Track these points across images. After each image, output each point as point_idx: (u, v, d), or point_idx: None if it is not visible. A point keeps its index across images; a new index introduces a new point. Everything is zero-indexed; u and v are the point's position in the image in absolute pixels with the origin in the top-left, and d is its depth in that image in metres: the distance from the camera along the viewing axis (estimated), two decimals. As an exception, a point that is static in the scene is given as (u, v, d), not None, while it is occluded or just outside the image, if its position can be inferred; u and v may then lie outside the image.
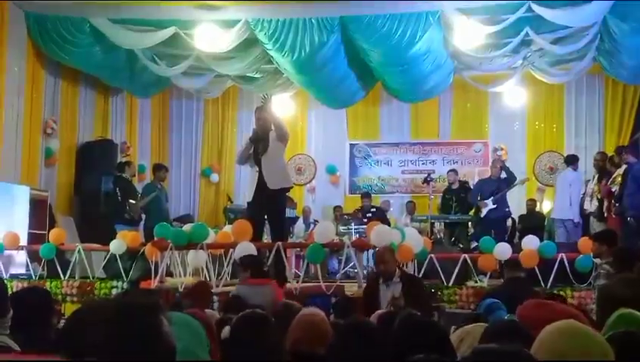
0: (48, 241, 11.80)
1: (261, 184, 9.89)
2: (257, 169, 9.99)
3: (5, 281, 4.61)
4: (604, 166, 13.98)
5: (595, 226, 13.56)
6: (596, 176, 14.04)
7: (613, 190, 12.82)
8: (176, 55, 14.42)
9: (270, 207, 10.09)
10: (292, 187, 10.85)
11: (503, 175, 14.64)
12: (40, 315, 4.40)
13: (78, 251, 11.56)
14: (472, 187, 15.28)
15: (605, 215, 13.26)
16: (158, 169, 14.40)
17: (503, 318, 5.07)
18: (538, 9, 12.04)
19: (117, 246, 11.25)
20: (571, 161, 14.76)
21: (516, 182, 14.49)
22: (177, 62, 14.45)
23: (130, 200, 13.61)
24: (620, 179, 12.62)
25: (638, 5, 11.76)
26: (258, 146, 9.99)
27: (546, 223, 15.88)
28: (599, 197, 13.61)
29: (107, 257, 11.59)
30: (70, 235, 13.21)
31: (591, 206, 13.92)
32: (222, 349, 4.15)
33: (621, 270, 7.54)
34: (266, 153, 9.89)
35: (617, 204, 12.57)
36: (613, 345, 2.82)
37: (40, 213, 13.11)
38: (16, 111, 13.21)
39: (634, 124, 16.44)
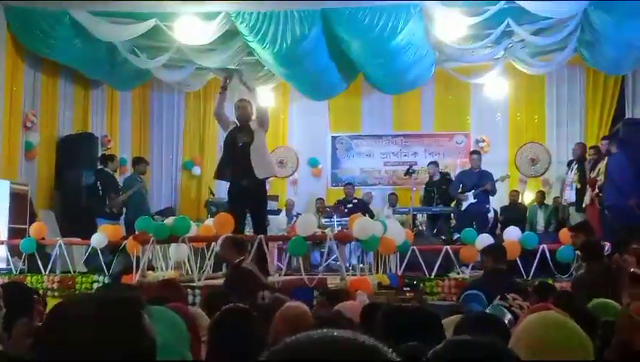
0: (29, 236, 11.75)
1: (242, 173, 9.88)
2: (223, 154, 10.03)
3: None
4: (583, 156, 14.05)
5: (575, 216, 13.65)
6: (575, 166, 14.11)
7: (598, 179, 12.87)
8: (156, 47, 14.37)
9: (254, 199, 10.08)
10: (276, 175, 10.89)
11: (484, 166, 14.67)
12: (22, 312, 4.37)
13: (59, 245, 11.51)
14: (453, 179, 15.29)
15: (584, 205, 13.33)
16: (138, 162, 14.39)
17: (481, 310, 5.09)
18: (519, 0, 12.05)
19: (98, 240, 11.21)
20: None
21: (497, 179, 14.49)
22: (158, 55, 14.40)
23: (112, 194, 13.57)
24: (604, 168, 12.68)
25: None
26: (239, 135, 9.99)
27: (527, 214, 15.94)
28: (578, 186, 13.69)
29: (88, 251, 11.55)
30: (51, 229, 13.15)
31: (569, 196, 14.01)
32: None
33: (589, 262, 7.65)
34: (253, 143, 9.89)
35: (601, 194, 12.64)
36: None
37: (20, 207, 13.02)
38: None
39: (614, 114, 16.50)
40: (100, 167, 14.32)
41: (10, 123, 13.60)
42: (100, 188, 13.78)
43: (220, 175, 10.63)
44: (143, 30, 13.38)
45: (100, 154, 15.24)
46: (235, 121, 10.21)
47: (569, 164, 15.02)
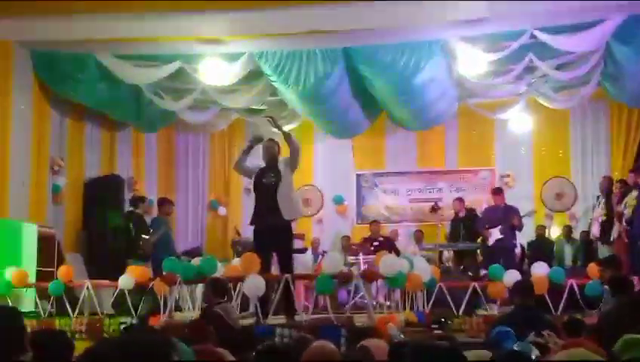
0: (57, 278, 11.79)
1: (269, 214, 9.88)
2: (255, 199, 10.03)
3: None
4: (610, 189, 13.98)
5: (602, 250, 13.56)
6: (602, 201, 14.03)
7: (624, 212, 12.79)
8: (181, 89, 14.46)
9: (280, 238, 10.07)
10: (302, 215, 10.88)
11: (510, 202, 14.62)
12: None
13: (87, 288, 11.55)
14: (479, 214, 15.23)
15: (612, 239, 13.25)
16: (163, 203, 14.48)
17: (511, 348, 5.06)
18: (541, 35, 12.08)
19: (125, 281, 11.24)
20: None
21: (523, 214, 14.42)
22: (182, 97, 14.49)
23: (143, 236, 13.67)
24: (634, 202, 12.59)
25: (640, 29, 11.81)
26: (266, 175, 10.01)
27: (555, 249, 15.85)
28: (604, 220, 13.61)
29: (116, 293, 11.57)
30: (78, 272, 13.20)
31: (597, 230, 13.94)
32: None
33: (617, 296, 7.58)
34: (281, 183, 9.90)
35: (629, 228, 12.55)
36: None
37: (48, 250, 13.08)
38: (23, 149, 13.23)
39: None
40: (130, 208, 14.43)
41: (38, 167, 13.69)
42: (132, 229, 13.89)
43: (252, 221, 10.50)
44: (168, 72, 13.50)
45: (127, 196, 15.36)
46: (259, 164, 10.21)
47: (597, 198, 14.97)
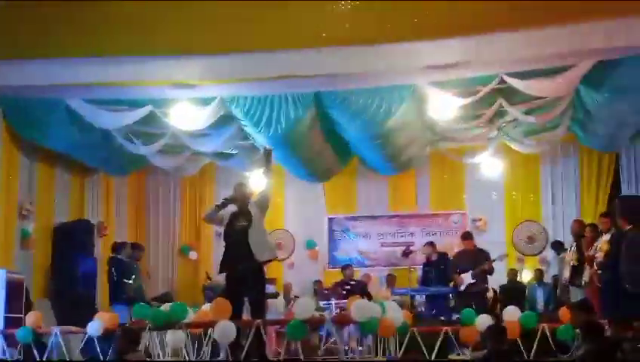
0: (25, 325, 11.62)
1: (241, 257, 9.82)
2: (225, 244, 10.00)
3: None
4: (580, 233, 14.01)
5: (575, 294, 13.56)
6: (574, 244, 14.05)
7: (596, 256, 12.80)
8: (152, 133, 14.41)
9: (252, 283, 9.99)
10: (277, 257, 10.84)
11: (481, 245, 14.63)
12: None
13: (55, 334, 11.39)
14: (450, 258, 15.22)
15: (582, 283, 13.25)
16: (133, 248, 14.40)
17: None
18: (511, 80, 12.16)
19: (94, 327, 11.07)
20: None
21: (495, 258, 14.44)
22: (153, 141, 14.43)
23: (126, 281, 13.62)
24: (606, 246, 12.61)
25: (610, 75, 11.90)
26: (237, 219, 9.96)
27: (527, 293, 15.86)
28: (575, 264, 13.62)
29: (85, 339, 11.41)
30: (47, 318, 13.03)
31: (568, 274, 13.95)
32: None
33: (589, 341, 7.58)
34: (252, 225, 9.86)
35: (601, 272, 12.57)
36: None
37: (16, 296, 12.91)
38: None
39: (610, 191, 16.55)
40: (112, 254, 14.37)
41: (7, 211, 13.57)
42: (114, 275, 13.84)
43: (222, 268, 10.43)
44: (139, 117, 13.44)
45: (96, 242, 15.32)
46: (229, 210, 10.15)
47: (553, 245, 15.09)
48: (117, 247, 14.56)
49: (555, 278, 15.52)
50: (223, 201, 10.11)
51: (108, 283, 14.16)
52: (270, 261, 10.49)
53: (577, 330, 9.35)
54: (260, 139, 14.07)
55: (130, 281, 13.84)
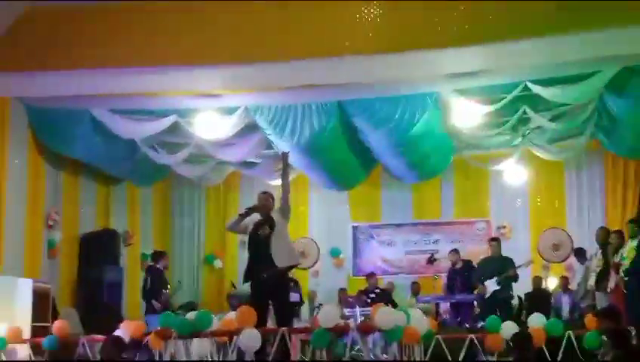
0: (51, 334, 11.69)
1: (264, 265, 9.85)
2: (249, 253, 10.01)
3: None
4: (605, 240, 13.95)
5: (599, 299, 13.51)
6: (599, 252, 13.99)
7: (622, 263, 12.76)
8: (176, 143, 14.49)
9: (277, 291, 10.01)
10: (299, 264, 10.83)
11: (506, 253, 14.59)
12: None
13: (82, 344, 11.45)
14: (475, 266, 15.19)
15: (608, 290, 13.20)
16: (158, 257, 14.44)
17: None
18: (534, 88, 12.13)
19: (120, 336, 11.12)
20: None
21: (520, 265, 14.41)
22: (178, 150, 14.50)
23: (163, 290, 13.68)
24: (633, 253, 12.57)
25: (633, 81, 11.86)
26: (263, 227, 9.98)
27: (552, 300, 15.79)
28: (600, 270, 13.58)
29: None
30: (73, 327, 13.10)
31: (593, 281, 13.90)
32: None
33: (616, 349, 7.55)
34: (274, 233, 9.88)
35: (627, 278, 12.52)
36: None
37: (43, 305, 12.98)
38: (18, 205, 13.22)
39: (636, 198, 16.47)
40: (151, 263, 14.42)
41: (33, 222, 13.69)
42: (149, 284, 13.89)
43: (246, 276, 10.45)
44: (163, 127, 13.52)
45: (122, 251, 15.42)
46: (254, 219, 10.18)
47: (576, 252, 15.05)
48: (155, 256, 14.61)
49: (579, 285, 15.46)
50: (247, 211, 10.14)
51: (144, 291, 14.16)
52: (292, 267, 10.50)
53: (603, 337, 9.29)
54: (284, 148, 14.09)
55: (167, 291, 13.94)
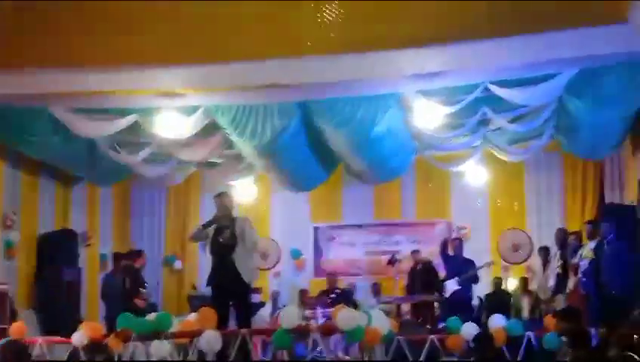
0: (9, 336, 11.56)
1: (226, 273, 9.83)
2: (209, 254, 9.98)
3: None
4: (564, 241, 14.09)
5: (559, 301, 13.63)
6: (558, 253, 14.12)
7: (580, 264, 12.88)
8: (137, 143, 14.37)
9: (238, 293, 10.00)
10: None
11: (467, 254, 14.67)
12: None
13: (39, 345, 11.34)
14: (435, 267, 15.24)
15: (567, 291, 13.32)
16: (118, 258, 14.34)
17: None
18: (495, 89, 12.18)
19: (79, 338, 11.03)
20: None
21: (481, 266, 14.49)
22: (138, 150, 14.39)
23: (141, 290, 13.60)
24: (590, 254, 12.70)
25: (593, 82, 11.94)
26: (221, 233, 9.94)
27: (512, 301, 15.88)
28: (560, 272, 13.70)
29: (70, 350, 11.37)
30: (31, 329, 12.98)
31: (552, 282, 14.02)
32: None
33: (575, 349, 7.60)
34: (235, 247, 9.86)
35: (584, 279, 12.64)
36: None
37: (0, 306, 12.88)
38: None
39: (597, 199, 16.61)
40: (126, 262, 14.30)
41: (-10, 222, 13.56)
42: (127, 284, 13.77)
43: (210, 281, 10.41)
44: (123, 126, 13.39)
45: (80, 251, 15.28)
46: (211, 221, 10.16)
47: (540, 250, 15.17)
48: (134, 255, 14.57)
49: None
50: (208, 222, 10.13)
51: (123, 291, 13.97)
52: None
53: (563, 338, 9.36)
54: (246, 149, 14.05)
55: (144, 290, 13.86)
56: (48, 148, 13.99)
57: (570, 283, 13.36)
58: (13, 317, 13.13)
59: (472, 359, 8.90)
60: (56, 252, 14.87)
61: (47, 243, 15.06)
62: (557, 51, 11.12)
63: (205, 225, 10.08)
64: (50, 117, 13.28)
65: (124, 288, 13.92)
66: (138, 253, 14.59)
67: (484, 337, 8.58)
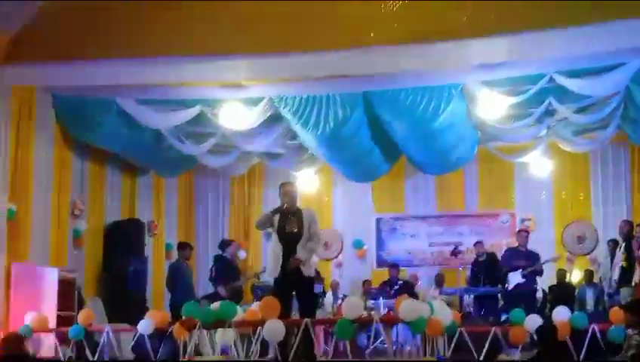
0: (77, 323, 11.78)
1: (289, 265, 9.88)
2: (280, 247, 9.99)
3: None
4: (629, 234, 13.90)
5: (625, 294, 13.46)
6: (622, 245, 13.93)
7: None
8: (201, 133, 14.53)
9: (301, 282, 10.04)
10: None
11: (531, 245, 14.55)
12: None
13: (107, 333, 11.53)
14: (499, 258, 15.14)
15: (633, 283, 13.15)
16: (183, 247, 14.47)
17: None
18: (560, 79, 12.07)
19: (145, 326, 11.20)
20: None
21: (548, 260, 14.38)
22: (203, 141, 14.55)
23: (233, 282, 13.72)
24: None
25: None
26: (287, 221, 9.98)
27: (576, 293, 15.72)
28: (624, 265, 13.53)
29: (136, 337, 11.54)
30: (98, 316, 13.20)
31: (617, 275, 13.85)
32: None
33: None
34: (300, 239, 9.91)
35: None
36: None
37: (68, 294, 13.10)
38: (44, 194, 13.29)
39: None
40: (219, 252, 14.49)
41: (59, 211, 13.75)
42: (213, 274, 13.95)
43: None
44: (189, 117, 13.58)
45: (146, 241, 15.52)
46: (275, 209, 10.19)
47: (608, 243, 14.97)
48: (222, 245, 14.62)
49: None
50: (275, 209, 10.15)
51: (210, 279, 14.19)
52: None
53: (629, 331, 9.26)
54: (309, 139, 14.11)
55: (238, 283, 14.05)
56: (115, 139, 14.21)
57: (637, 276, 13.18)
58: (81, 305, 13.37)
59: (535, 351, 8.82)
60: (123, 241, 15.07)
61: (114, 233, 15.29)
62: (624, 41, 10.99)
63: (273, 212, 10.11)
64: (117, 108, 13.49)
65: (210, 277, 14.07)
66: (227, 243, 14.64)
67: (547, 329, 8.52)
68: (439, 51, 11.56)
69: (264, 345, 10.17)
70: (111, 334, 11.55)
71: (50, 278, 12.69)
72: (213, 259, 14.44)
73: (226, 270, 13.95)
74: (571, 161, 16.87)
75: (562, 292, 15.45)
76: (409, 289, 15.02)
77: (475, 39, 11.35)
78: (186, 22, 12.17)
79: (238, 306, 10.46)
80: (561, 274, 16.11)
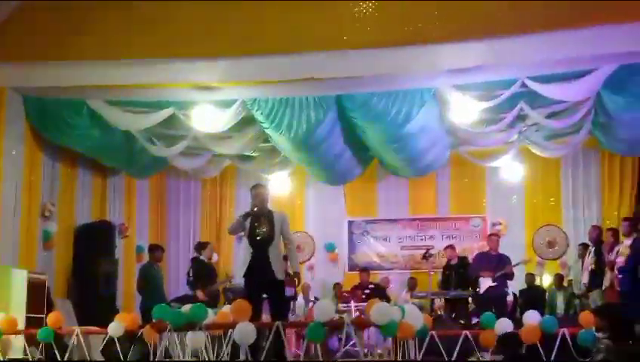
0: (46, 325, 11.68)
1: (262, 266, 9.87)
2: (251, 250, 9.97)
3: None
4: (599, 239, 14.02)
5: (595, 297, 13.56)
6: (592, 249, 14.04)
7: (617, 260, 12.82)
8: (173, 136, 14.46)
9: (272, 285, 10.03)
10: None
11: (501, 249, 14.61)
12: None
13: (76, 334, 11.44)
14: (470, 262, 15.20)
15: (603, 288, 13.25)
16: (154, 249, 14.40)
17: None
18: (532, 84, 12.13)
19: (115, 328, 11.12)
20: None
21: (518, 262, 14.44)
22: (175, 143, 14.48)
23: (211, 286, 13.69)
24: (627, 250, 12.62)
25: (631, 79, 11.85)
26: (258, 224, 9.97)
27: (547, 297, 15.81)
28: (593, 268, 13.63)
29: (105, 340, 11.46)
30: (68, 318, 13.10)
31: (587, 279, 13.96)
32: None
33: (619, 343, 7.54)
34: (272, 242, 9.91)
35: (621, 276, 12.57)
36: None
37: (37, 296, 12.97)
38: (14, 195, 13.18)
39: (632, 196, 16.48)
40: (194, 255, 14.39)
41: (29, 212, 13.65)
42: (190, 277, 13.94)
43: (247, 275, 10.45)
44: (160, 119, 13.51)
45: (117, 243, 15.41)
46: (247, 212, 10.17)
47: (579, 247, 15.09)
48: (198, 247, 14.69)
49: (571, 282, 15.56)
50: (247, 213, 10.14)
51: (187, 283, 14.22)
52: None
53: (598, 334, 9.31)
54: (281, 142, 14.09)
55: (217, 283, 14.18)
56: (86, 140, 14.12)
57: (607, 280, 13.29)
58: (51, 307, 13.26)
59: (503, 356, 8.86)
60: (94, 243, 14.98)
61: (85, 235, 15.18)
62: (595, 47, 11.07)
63: (244, 216, 10.09)
64: (88, 109, 13.43)
65: (188, 280, 14.05)
66: (203, 245, 14.65)
67: (509, 337, 8.53)
68: (412, 55, 11.61)
69: (235, 348, 10.14)
70: (80, 336, 11.46)
71: (19, 280, 12.57)
72: (191, 261, 14.40)
73: (203, 272, 13.95)
74: (542, 165, 16.96)
75: (533, 296, 15.53)
76: (380, 292, 15.04)
77: (447, 43, 11.42)
78: (158, 23, 12.16)
79: (210, 309, 10.40)
80: (530, 278, 16.21)
